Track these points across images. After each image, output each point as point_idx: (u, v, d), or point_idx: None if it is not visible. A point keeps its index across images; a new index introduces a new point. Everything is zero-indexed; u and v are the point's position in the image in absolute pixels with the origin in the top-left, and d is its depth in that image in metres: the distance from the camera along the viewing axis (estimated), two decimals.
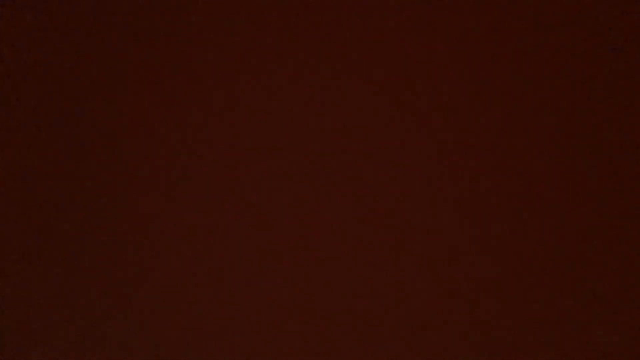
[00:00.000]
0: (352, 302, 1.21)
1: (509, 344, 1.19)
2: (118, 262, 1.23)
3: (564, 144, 1.20)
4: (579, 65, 1.21)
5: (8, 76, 1.26)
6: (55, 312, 1.23)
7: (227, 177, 1.23)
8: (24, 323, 1.23)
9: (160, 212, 1.23)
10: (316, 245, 1.22)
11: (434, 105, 1.22)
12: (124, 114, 1.25)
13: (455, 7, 1.22)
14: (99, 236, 1.23)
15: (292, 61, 1.24)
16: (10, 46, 1.26)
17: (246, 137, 1.23)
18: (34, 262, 1.24)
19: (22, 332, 1.23)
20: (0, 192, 1.25)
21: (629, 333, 1.18)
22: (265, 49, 1.24)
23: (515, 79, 1.21)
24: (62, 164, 1.25)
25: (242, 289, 1.22)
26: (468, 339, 1.19)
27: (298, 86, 1.23)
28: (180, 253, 1.23)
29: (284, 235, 1.22)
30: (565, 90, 1.21)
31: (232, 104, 1.24)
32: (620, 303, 1.18)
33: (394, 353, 1.20)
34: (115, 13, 1.26)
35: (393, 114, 1.22)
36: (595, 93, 1.20)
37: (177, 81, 1.25)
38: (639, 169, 1.19)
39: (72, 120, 1.25)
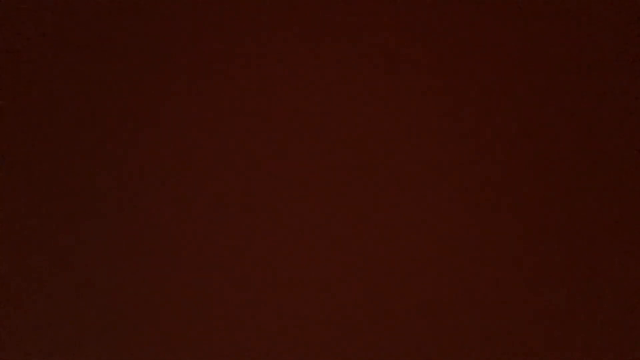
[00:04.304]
0: (352, 303, 1.21)
1: (513, 344, 1.19)
2: (117, 262, 1.23)
3: (566, 143, 1.21)
4: (579, 63, 1.21)
5: (8, 76, 1.26)
6: (54, 312, 1.23)
7: (227, 178, 1.23)
8: (23, 323, 1.23)
9: (160, 212, 1.23)
10: (317, 246, 1.22)
11: (438, 104, 1.22)
12: (123, 113, 1.25)
13: (458, 8, 1.23)
14: (98, 236, 1.23)
15: (293, 62, 1.24)
16: (10, 46, 1.26)
17: (246, 137, 1.23)
18: (33, 262, 1.24)
19: (21, 332, 1.23)
20: (0, 192, 1.24)
21: (630, 333, 1.18)
22: (266, 50, 1.24)
23: (519, 76, 1.21)
24: (61, 164, 1.24)
25: (244, 289, 1.22)
26: (471, 340, 1.20)
27: (299, 86, 1.23)
28: (180, 253, 1.23)
29: (285, 236, 1.22)
30: (566, 88, 1.21)
31: (232, 104, 1.24)
32: (623, 303, 1.19)
33: (395, 353, 1.20)
34: (115, 12, 1.26)
35: (395, 113, 1.22)
36: (595, 92, 1.21)
37: (177, 81, 1.25)
38: (638, 169, 1.20)
39: (72, 120, 1.25)
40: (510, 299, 1.19)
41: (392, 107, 1.22)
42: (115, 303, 1.22)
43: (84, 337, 1.22)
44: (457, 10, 1.23)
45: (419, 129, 1.22)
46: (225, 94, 1.24)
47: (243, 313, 1.22)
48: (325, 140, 1.23)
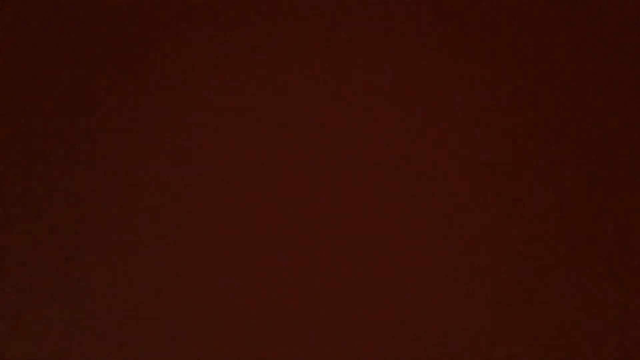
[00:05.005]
0: (351, 304, 1.21)
1: (509, 346, 1.19)
2: (114, 263, 1.23)
3: (566, 146, 1.20)
4: (580, 67, 1.21)
5: (8, 76, 1.26)
6: (53, 312, 1.23)
7: (226, 178, 1.23)
8: (22, 323, 1.23)
9: (160, 212, 1.23)
10: (316, 246, 1.22)
11: (435, 105, 1.22)
12: (122, 113, 1.25)
13: (457, 10, 1.22)
14: (97, 236, 1.23)
15: (292, 62, 1.24)
16: (10, 46, 1.26)
17: (245, 137, 1.23)
18: (32, 261, 1.24)
19: (21, 332, 1.23)
20: (0, 191, 1.25)
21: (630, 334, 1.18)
22: (265, 49, 1.24)
23: (518, 80, 1.21)
24: (60, 164, 1.24)
25: (244, 290, 1.22)
26: (468, 341, 1.19)
27: (297, 86, 1.23)
28: (179, 254, 1.23)
29: (284, 236, 1.22)
30: (566, 91, 1.21)
31: (231, 104, 1.24)
32: (622, 304, 1.18)
33: (393, 354, 1.20)
34: (114, 12, 1.26)
35: (393, 114, 1.22)
36: (596, 94, 1.21)
37: (176, 81, 1.25)
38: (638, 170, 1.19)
39: (72, 120, 1.25)
40: (511, 300, 1.19)
41: (391, 108, 1.22)
42: (113, 304, 1.23)
43: (83, 337, 1.23)
44: (459, 10, 1.23)
45: (419, 129, 1.22)
46: (224, 94, 1.24)
47: (243, 314, 1.22)
48: (325, 140, 1.23)
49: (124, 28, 1.25)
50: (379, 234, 1.21)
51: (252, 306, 1.22)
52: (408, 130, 1.22)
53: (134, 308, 1.22)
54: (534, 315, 1.19)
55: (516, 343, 1.19)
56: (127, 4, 1.26)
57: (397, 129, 1.22)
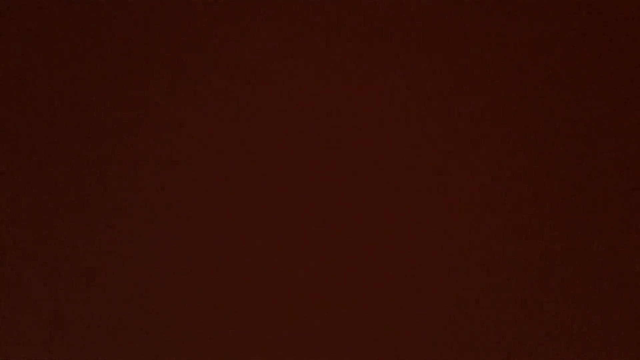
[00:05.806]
0: (352, 305, 1.21)
1: (512, 346, 1.19)
2: (114, 262, 1.23)
3: (568, 147, 1.20)
4: (581, 67, 1.21)
5: (8, 76, 1.26)
6: (52, 311, 1.23)
7: (225, 178, 1.23)
8: (22, 322, 1.23)
9: (160, 213, 1.23)
10: (316, 247, 1.22)
11: (435, 106, 1.22)
12: (121, 113, 1.25)
13: (457, 11, 1.23)
14: (96, 235, 1.23)
15: (291, 61, 1.24)
16: (10, 46, 1.26)
17: (245, 136, 1.23)
18: (32, 261, 1.24)
19: (19, 331, 1.23)
20: (0, 190, 1.25)
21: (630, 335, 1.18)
22: (264, 49, 1.24)
23: (520, 80, 1.21)
24: (59, 163, 1.24)
25: (243, 289, 1.22)
26: (468, 343, 1.19)
27: (297, 86, 1.23)
28: (178, 253, 1.23)
29: (284, 237, 1.22)
30: (569, 91, 1.21)
31: (231, 104, 1.24)
32: (622, 306, 1.18)
33: (393, 355, 1.20)
34: (113, 12, 1.26)
35: (392, 114, 1.22)
36: (597, 95, 1.21)
37: (176, 81, 1.25)
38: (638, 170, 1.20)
39: (70, 120, 1.25)
40: (510, 300, 1.19)
41: (390, 108, 1.22)
42: (114, 304, 1.23)
43: (83, 338, 1.23)
44: (459, 10, 1.23)
45: (419, 130, 1.22)
46: (223, 93, 1.24)
47: (242, 315, 1.22)
48: (325, 140, 1.23)
49: (123, 28, 1.25)
50: (379, 234, 1.21)
51: (252, 307, 1.22)
52: (407, 131, 1.22)
53: (134, 309, 1.22)
54: (535, 316, 1.19)
55: (516, 344, 1.19)
56: (127, 5, 1.26)
57: (396, 129, 1.22)
